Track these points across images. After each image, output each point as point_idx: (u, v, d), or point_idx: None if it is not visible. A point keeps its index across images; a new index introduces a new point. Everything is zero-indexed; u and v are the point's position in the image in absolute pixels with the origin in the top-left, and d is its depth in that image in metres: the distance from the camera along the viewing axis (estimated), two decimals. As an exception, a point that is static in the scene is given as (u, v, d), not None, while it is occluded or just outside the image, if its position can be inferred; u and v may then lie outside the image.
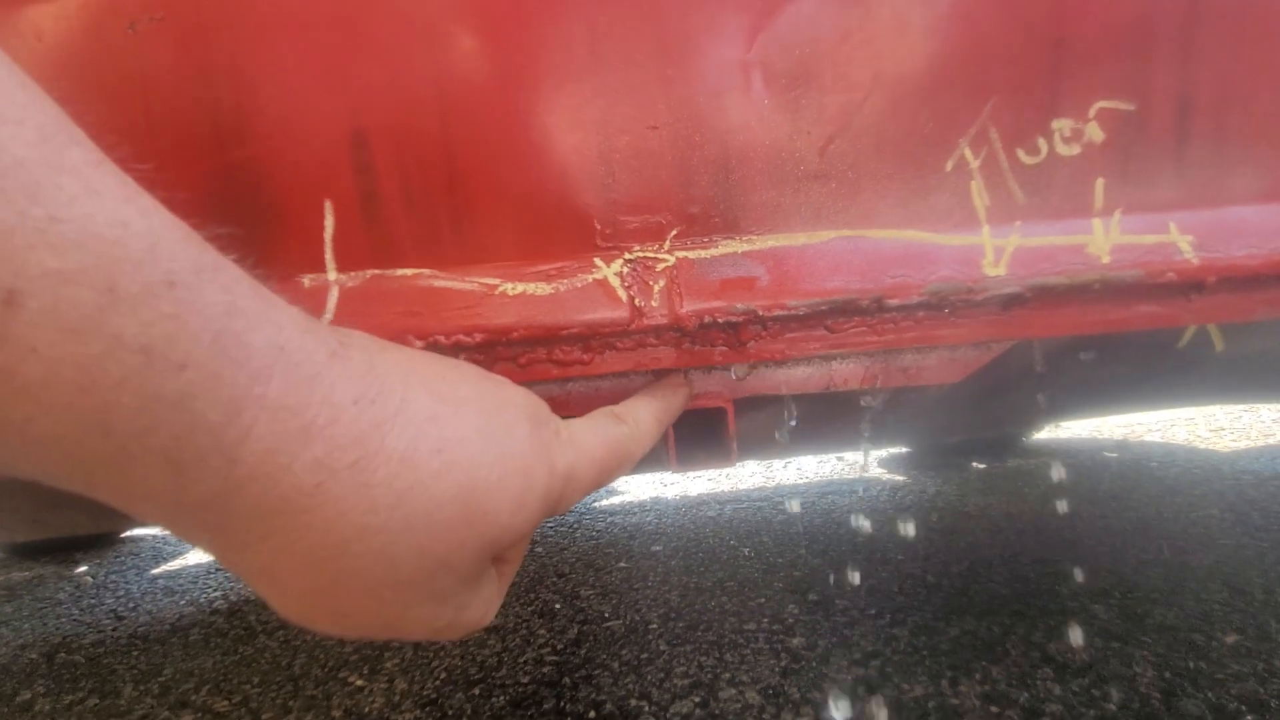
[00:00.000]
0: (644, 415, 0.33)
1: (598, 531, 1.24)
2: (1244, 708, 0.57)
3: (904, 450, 1.56)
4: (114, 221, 0.18)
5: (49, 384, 0.17)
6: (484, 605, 0.29)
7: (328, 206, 0.30)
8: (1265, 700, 0.58)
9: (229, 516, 0.21)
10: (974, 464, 1.41)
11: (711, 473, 1.71)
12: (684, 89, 0.30)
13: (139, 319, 0.18)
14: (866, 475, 1.47)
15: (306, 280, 0.31)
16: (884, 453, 1.60)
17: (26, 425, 0.18)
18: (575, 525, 1.30)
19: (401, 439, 0.24)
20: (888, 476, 1.44)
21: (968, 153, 0.32)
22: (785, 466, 1.66)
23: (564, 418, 0.30)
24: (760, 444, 0.48)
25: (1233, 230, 0.32)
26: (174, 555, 1.38)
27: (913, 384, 0.35)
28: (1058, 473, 1.05)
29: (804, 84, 0.31)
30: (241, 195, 0.30)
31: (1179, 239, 0.32)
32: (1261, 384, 0.55)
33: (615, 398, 0.33)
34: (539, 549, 1.17)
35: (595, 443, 0.31)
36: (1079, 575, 0.84)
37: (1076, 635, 0.70)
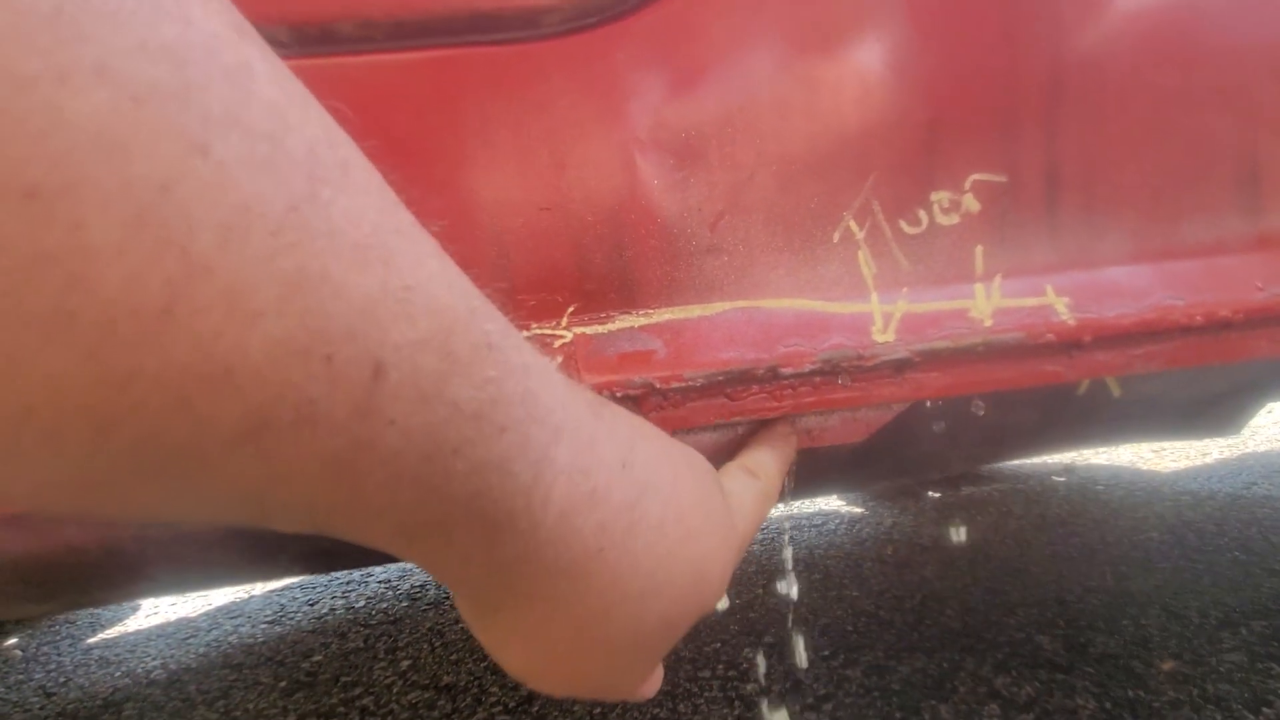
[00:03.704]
0: (772, 468, 0.33)
1: (557, 578, 1.22)
2: (1177, 738, 0.58)
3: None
4: (445, 284, 0.18)
5: (401, 455, 0.17)
6: (651, 672, 0.29)
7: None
8: (1197, 729, 0.59)
9: (521, 579, 0.21)
10: (929, 493, 1.43)
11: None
12: (575, 171, 0.31)
13: (471, 384, 0.18)
14: (826, 509, 1.48)
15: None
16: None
17: (375, 495, 0.17)
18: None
19: (655, 506, 0.24)
20: (846, 509, 1.45)
21: (853, 225, 0.33)
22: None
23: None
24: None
25: (1106, 291, 0.34)
26: (112, 623, 1.32)
27: (817, 444, 0.36)
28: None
29: (691, 164, 0.32)
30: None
31: (1056, 301, 0.34)
32: (1159, 424, 0.58)
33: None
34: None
35: (750, 501, 0.31)
36: (1025, 606, 0.85)
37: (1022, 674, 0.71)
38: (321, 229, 0.15)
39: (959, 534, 0.96)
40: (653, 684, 0.29)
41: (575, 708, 0.75)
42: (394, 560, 1.00)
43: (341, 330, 0.15)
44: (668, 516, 0.25)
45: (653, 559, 0.24)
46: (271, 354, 0.14)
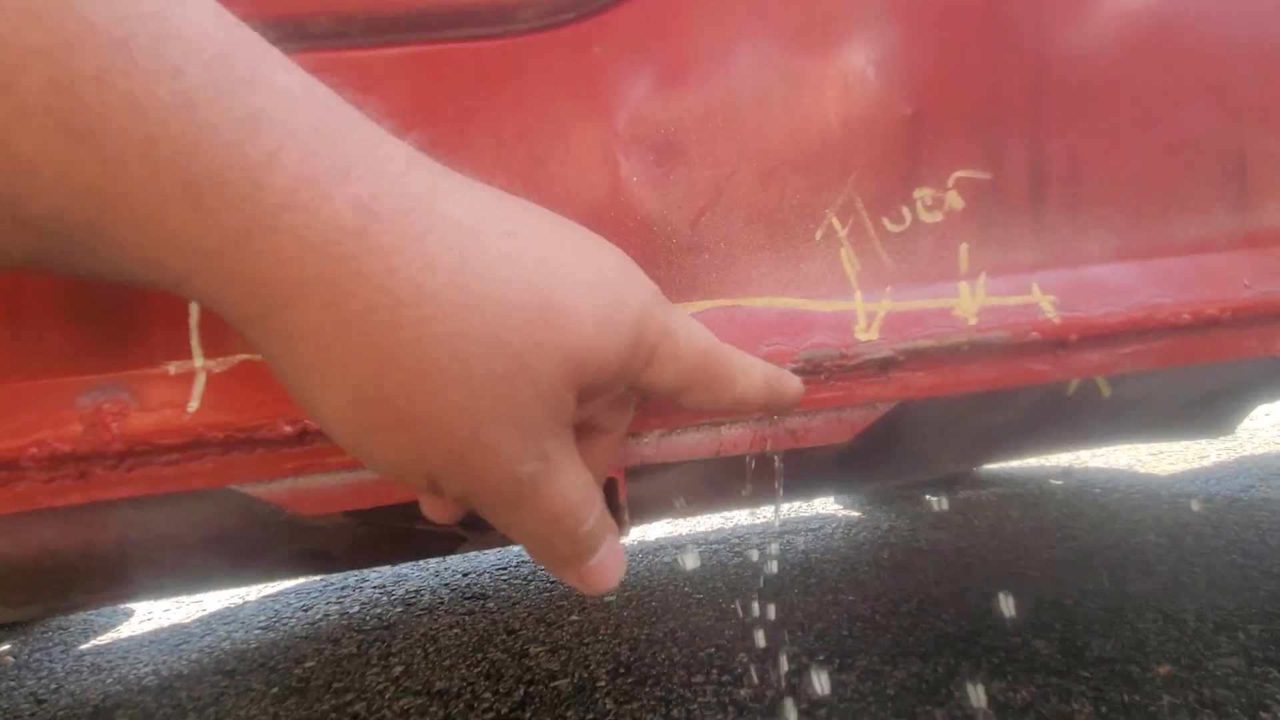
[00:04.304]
0: (756, 367, 0.29)
1: (551, 583, 1.22)
2: (1173, 744, 0.57)
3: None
4: None
5: (17, 79, 0.15)
6: (578, 487, 0.24)
7: (193, 293, 0.29)
8: (1193, 734, 0.58)
9: (264, 260, 0.18)
10: (926, 497, 1.42)
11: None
12: (553, 168, 0.31)
13: (112, 7, 0.16)
14: (823, 513, 1.47)
15: (172, 367, 0.30)
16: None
17: (8, 135, 0.15)
18: (529, 577, 1.27)
19: (464, 210, 0.21)
20: (844, 513, 1.44)
21: (835, 222, 0.33)
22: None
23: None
24: (658, 509, 0.47)
25: (1091, 289, 0.34)
26: (105, 629, 1.31)
27: (802, 445, 0.35)
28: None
29: (671, 160, 0.32)
30: (106, 285, 0.30)
31: (1041, 299, 0.33)
32: (1151, 425, 0.57)
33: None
34: (490, 604, 1.14)
35: (703, 332, 0.27)
36: (1022, 610, 0.84)
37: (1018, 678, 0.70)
38: None
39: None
40: (602, 566, 0.25)
41: (569, 713, 0.75)
42: (386, 564, 0.99)
43: None
44: (488, 226, 0.21)
45: (454, 256, 0.20)
46: None
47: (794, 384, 0.31)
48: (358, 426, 0.21)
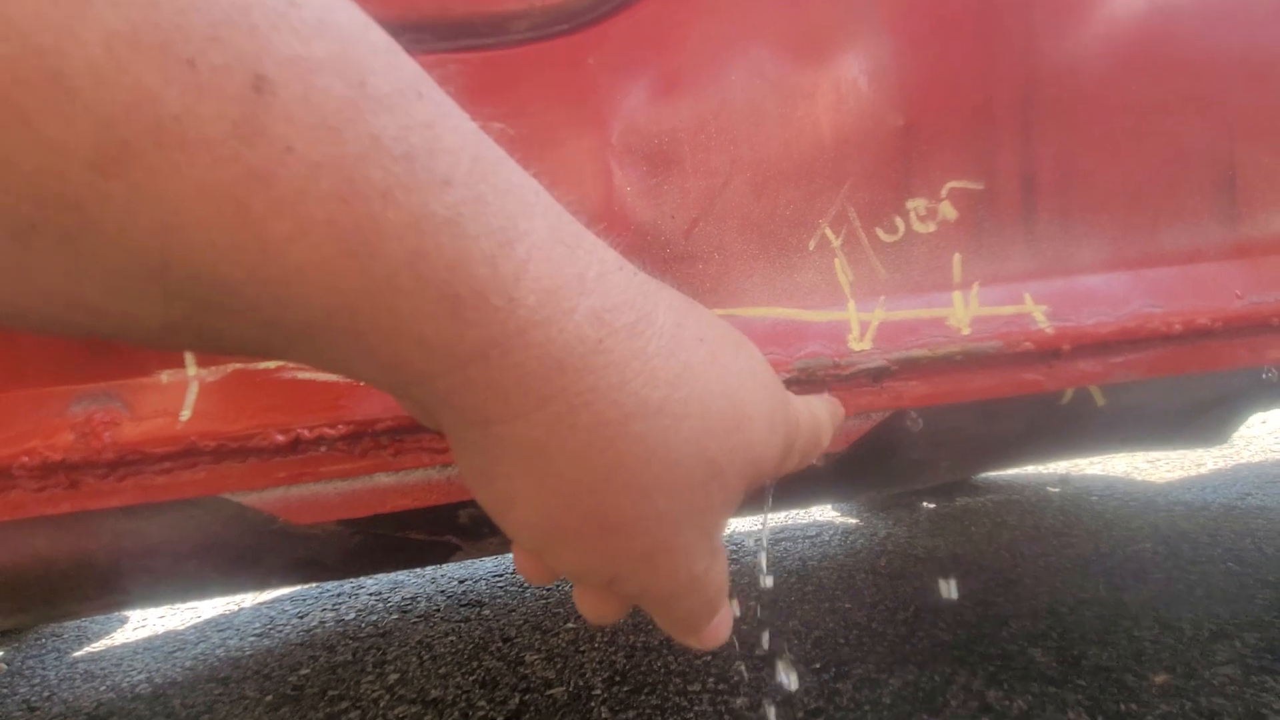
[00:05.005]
0: (823, 413, 0.29)
1: (548, 591, 1.21)
2: (1169, 753, 0.57)
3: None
4: (355, 19, 0.16)
5: (307, 192, 0.15)
6: (720, 577, 0.25)
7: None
8: (1189, 744, 0.58)
9: (506, 372, 0.18)
10: (924, 504, 1.42)
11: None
12: (546, 178, 0.31)
13: (395, 121, 0.16)
14: (820, 519, 1.47)
15: (164, 376, 0.30)
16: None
17: (287, 247, 0.15)
18: (526, 585, 1.27)
19: (665, 317, 0.21)
20: (840, 520, 1.44)
21: (829, 232, 0.33)
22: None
23: (448, 506, 0.29)
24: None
25: (1084, 299, 0.34)
26: (99, 636, 1.31)
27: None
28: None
29: (664, 170, 0.32)
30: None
31: (1034, 309, 0.34)
32: (1146, 434, 0.57)
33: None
34: (486, 611, 1.14)
35: (805, 408, 0.28)
36: (1018, 618, 0.84)
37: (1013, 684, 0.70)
38: None
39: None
40: (720, 625, 0.26)
41: (563, 722, 0.74)
42: (380, 572, 0.99)
43: (202, 31, 0.13)
44: (687, 332, 0.21)
45: (671, 369, 0.20)
46: (111, 49, 0.12)
47: (840, 412, 0.32)
48: (559, 532, 0.21)
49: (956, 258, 0.34)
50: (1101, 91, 0.34)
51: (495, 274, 0.17)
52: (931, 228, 0.33)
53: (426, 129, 0.16)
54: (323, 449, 0.30)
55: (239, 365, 0.30)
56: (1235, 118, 0.34)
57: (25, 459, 0.29)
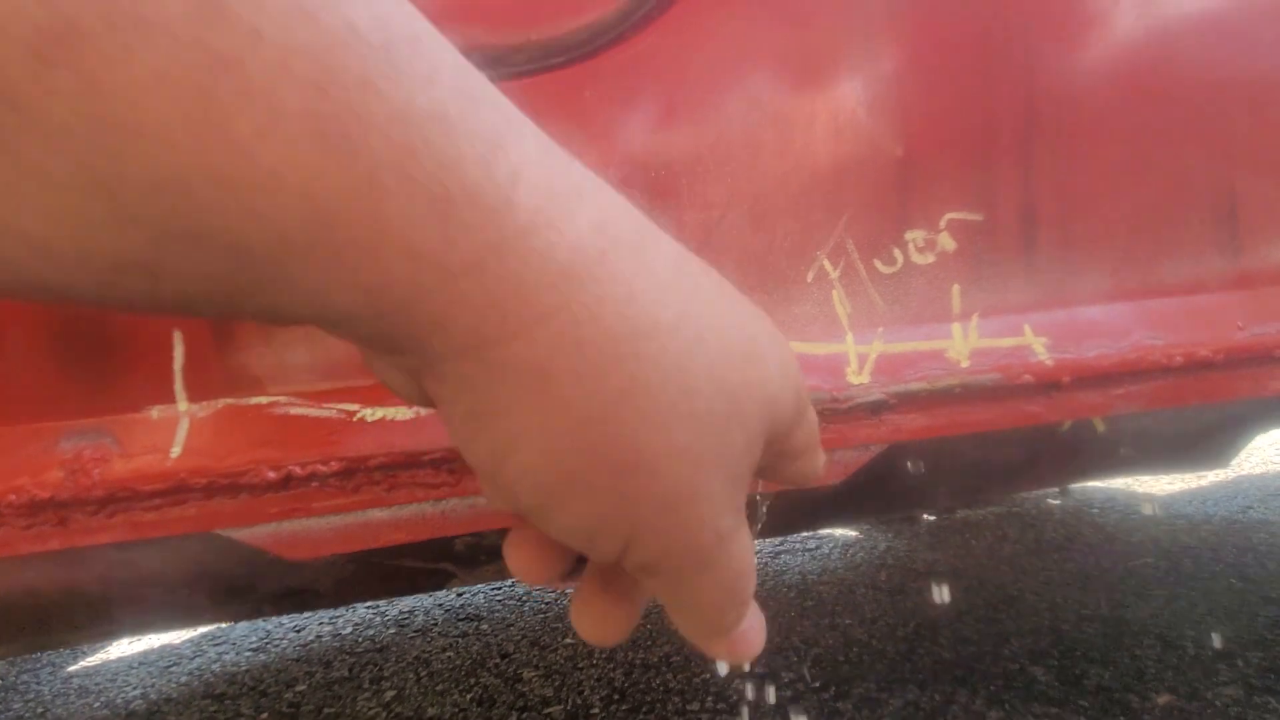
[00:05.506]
0: (812, 419, 0.27)
1: (546, 604, 1.21)
2: (1172, 779, 0.56)
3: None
4: None
5: (278, 81, 0.13)
6: (747, 554, 0.22)
7: (177, 337, 0.29)
8: (1192, 770, 0.58)
9: (505, 284, 0.16)
10: (924, 516, 1.42)
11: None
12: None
13: (370, 10, 0.15)
14: (819, 533, 1.47)
15: (155, 412, 0.30)
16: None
17: (257, 144, 0.13)
18: (524, 598, 1.26)
19: (671, 244, 0.20)
20: (840, 533, 1.43)
21: (827, 264, 0.33)
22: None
23: (443, 537, 0.29)
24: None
25: (1083, 331, 0.33)
26: (93, 651, 1.30)
27: (793, 488, 0.35)
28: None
29: (661, 202, 0.31)
30: (89, 327, 0.29)
31: (1034, 341, 0.33)
32: (1148, 460, 0.57)
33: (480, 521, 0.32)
34: (484, 626, 1.13)
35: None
36: (1019, 636, 0.84)
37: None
38: None
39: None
40: (752, 631, 0.23)
41: (560, 743, 0.74)
42: (374, 599, 0.99)
43: None
44: (690, 260, 0.20)
45: (683, 288, 0.19)
46: None
47: (821, 456, 0.29)
48: (567, 477, 0.19)
49: (955, 289, 0.33)
50: (1101, 122, 0.34)
51: (489, 176, 0.16)
52: (930, 259, 0.33)
53: (408, 24, 0.15)
54: (315, 485, 0.29)
55: (230, 401, 0.30)
56: (1235, 148, 0.34)
57: (13, 497, 0.28)
